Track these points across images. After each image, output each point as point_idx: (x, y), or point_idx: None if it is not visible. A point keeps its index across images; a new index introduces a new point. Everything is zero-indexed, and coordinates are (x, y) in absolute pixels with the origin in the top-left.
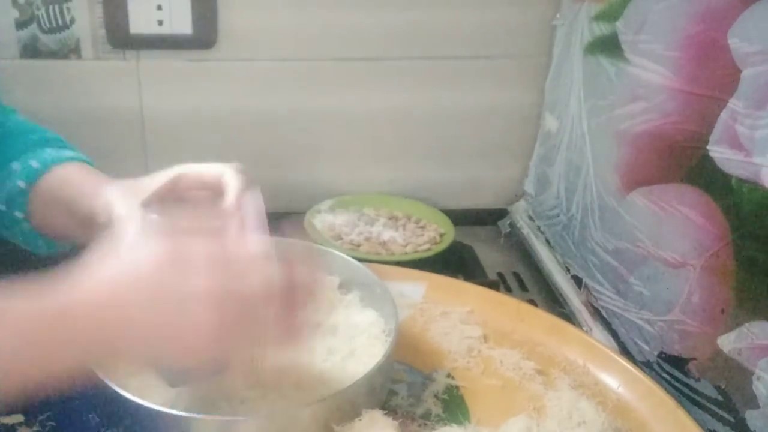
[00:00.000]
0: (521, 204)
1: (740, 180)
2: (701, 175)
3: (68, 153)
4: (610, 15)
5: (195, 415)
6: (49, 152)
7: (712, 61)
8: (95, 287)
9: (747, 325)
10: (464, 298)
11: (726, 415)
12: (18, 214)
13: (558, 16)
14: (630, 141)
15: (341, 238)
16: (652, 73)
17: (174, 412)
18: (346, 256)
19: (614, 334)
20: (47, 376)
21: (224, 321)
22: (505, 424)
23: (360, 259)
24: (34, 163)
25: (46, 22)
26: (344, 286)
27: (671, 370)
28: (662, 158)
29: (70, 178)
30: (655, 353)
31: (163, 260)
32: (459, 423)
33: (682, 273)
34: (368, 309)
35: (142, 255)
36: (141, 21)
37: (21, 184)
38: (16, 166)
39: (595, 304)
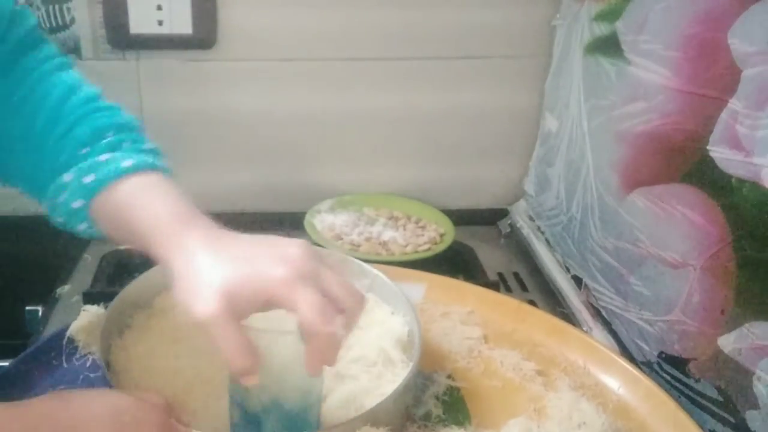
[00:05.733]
0: (521, 204)
1: (740, 180)
2: (701, 175)
3: (125, 161)
4: (610, 15)
5: None
6: (102, 159)
7: (712, 61)
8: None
9: (747, 325)
10: (464, 299)
11: (726, 416)
12: (81, 227)
13: (558, 16)
14: (630, 141)
15: (341, 239)
16: (652, 73)
17: None
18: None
19: (614, 335)
20: None
21: None
22: (506, 425)
23: (360, 260)
24: (87, 179)
25: (46, 22)
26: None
27: (671, 371)
28: (662, 158)
29: (125, 203)
30: (655, 353)
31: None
32: (459, 424)
33: (682, 273)
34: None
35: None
36: (141, 21)
37: (76, 204)
38: (67, 177)
39: (595, 304)
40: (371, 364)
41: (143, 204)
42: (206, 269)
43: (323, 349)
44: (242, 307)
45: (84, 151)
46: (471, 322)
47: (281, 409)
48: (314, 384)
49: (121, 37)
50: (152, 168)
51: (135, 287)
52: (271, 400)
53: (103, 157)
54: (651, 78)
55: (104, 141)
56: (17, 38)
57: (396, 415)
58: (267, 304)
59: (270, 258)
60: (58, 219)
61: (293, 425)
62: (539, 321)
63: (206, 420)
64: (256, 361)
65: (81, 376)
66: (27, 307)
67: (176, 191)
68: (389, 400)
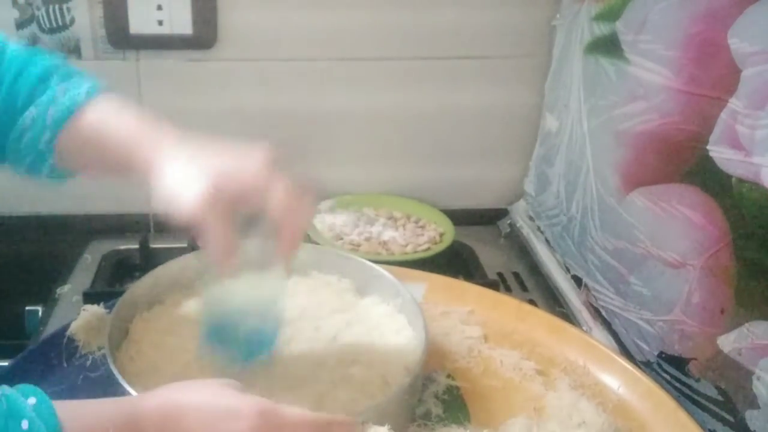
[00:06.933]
0: (521, 204)
1: (740, 180)
2: (701, 175)
3: (82, 87)
4: (610, 15)
5: None
6: (61, 90)
7: (712, 61)
8: (166, 407)
9: (747, 325)
10: (464, 298)
11: (726, 415)
12: (46, 165)
13: (558, 16)
14: (630, 141)
15: (341, 239)
16: (653, 73)
17: None
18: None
19: (614, 334)
20: None
21: None
22: (505, 424)
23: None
24: (52, 111)
25: (46, 22)
26: (360, 291)
27: (671, 370)
28: (662, 158)
29: (95, 125)
30: (655, 353)
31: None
32: (459, 423)
33: (682, 273)
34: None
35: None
36: (141, 21)
37: (45, 137)
38: (31, 114)
39: (595, 304)
40: (365, 382)
41: (112, 123)
42: (187, 170)
43: (293, 229)
44: (224, 199)
45: (38, 89)
46: (471, 321)
47: (246, 323)
48: (276, 300)
49: (121, 37)
50: (105, 90)
51: (176, 265)
52: (238, 311)
53: (61, 88)
54: (651, 78)
55: (55, 76)
56: None
57: (397, 415)
58: (243, 196)
59: (241, 156)
60: (24, 161)
61: (255, 339)
62: (539, 321)
63: None
64: (235, 247)
65: (81, 376)
66: (27, 307)
67: (135, 108)
68: (391, 399)
